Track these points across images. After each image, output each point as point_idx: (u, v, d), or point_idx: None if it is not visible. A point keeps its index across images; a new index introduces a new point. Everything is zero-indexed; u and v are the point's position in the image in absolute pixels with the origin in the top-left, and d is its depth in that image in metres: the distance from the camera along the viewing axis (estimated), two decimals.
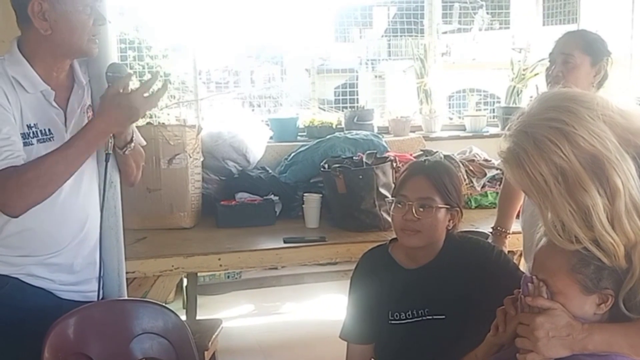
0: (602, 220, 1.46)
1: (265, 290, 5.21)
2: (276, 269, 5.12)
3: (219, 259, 3.16)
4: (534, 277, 1.65)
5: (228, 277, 5.20)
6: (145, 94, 2.09)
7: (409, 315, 2.21)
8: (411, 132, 4.75)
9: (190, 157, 3.61)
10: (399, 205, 2.20)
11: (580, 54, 2.66)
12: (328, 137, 4.15)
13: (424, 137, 4.63)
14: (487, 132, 4.90)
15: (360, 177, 3.37)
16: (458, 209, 2.23)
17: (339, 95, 6.01)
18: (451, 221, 2.22)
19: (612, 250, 1.49)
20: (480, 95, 5.96)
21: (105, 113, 2.04)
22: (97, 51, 2.14)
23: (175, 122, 4.45)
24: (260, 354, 4.36)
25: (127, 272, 2.44)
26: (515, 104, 4.90)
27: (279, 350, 4.39)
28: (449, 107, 5.96)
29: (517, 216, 3.02)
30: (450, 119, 5.34)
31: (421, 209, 2.16)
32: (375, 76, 8.22)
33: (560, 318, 1.56)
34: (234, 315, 4.93)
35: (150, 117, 4.52)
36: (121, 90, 2.07)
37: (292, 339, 4.54)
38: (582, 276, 1.57)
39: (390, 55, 7.79)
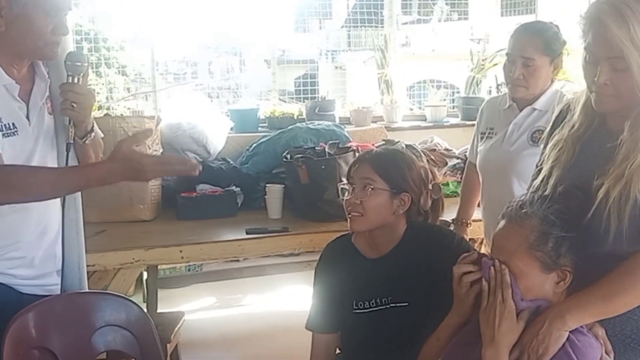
0: None
1: (227, 282, 5.18)
2: (237, 261, 5.10)
3: (181, 251, 3.13)
4: (495, 260, 1.68)
5: (189, 269, 5.16)
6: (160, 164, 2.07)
7: (372, 304, 2.23)
8: (372, 122, 4.76)
9: (149, 148, 3.55)
10: (346, 190, 2.25)
11: (540, 56, 2.70)
12: (290, 127, 4.13)
13: (385, 127, 4.65)
14: (448, 122, 4.94)
15: (323, 167, 3.37)
16: (408, 194, 2.23)
17: (299, 86, 6.00)
18: (401, 207, 2.23)
19: None
20: (440, 86, 5.99)
21: (116, 167, 1.98)
22: (57, 56, 2.12)
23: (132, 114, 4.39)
24: (222, 347, 4.34)
25: (87, 266, 2.41)
26: (475, 94, 4.96)
27: (242, 342, 4.38)
28: (409, 98, 5.99)
29: (478, 205, 3.06)
30: (411, 109, 5.37)
31: (362, 191, 2.20)
32: (336, 67, 8.21)
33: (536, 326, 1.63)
34: (196, 308, 4.91)
35: (107, 109, 4.46)
36: (79, 78, 2.05)
37: (255, 331, 4.53)
38: (541, 253, 1.62)
39: (350, 46, 7.78)
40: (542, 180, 1.80)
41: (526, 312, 1.65)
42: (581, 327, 1.62)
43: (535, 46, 2.69)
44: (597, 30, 1.58)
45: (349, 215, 2.24)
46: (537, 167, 1.91)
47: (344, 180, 2.33)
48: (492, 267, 1.68)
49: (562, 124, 1.83)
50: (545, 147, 1.88)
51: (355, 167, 2.28)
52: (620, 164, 1.59)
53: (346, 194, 2.25)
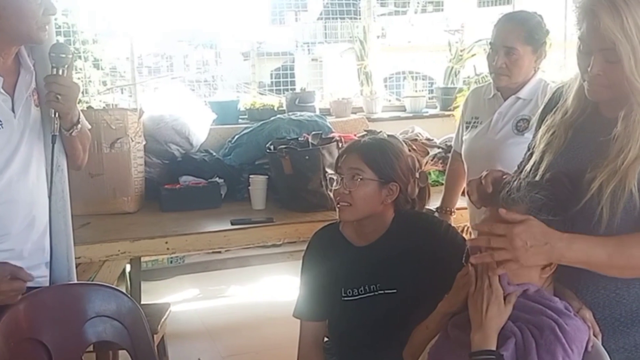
0: None
1: (210, 274, 5.19)
2: (220, 252, 5.11)
3: (166, 242, 3.12)
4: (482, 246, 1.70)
5: (171, 262, 5.16)
6: None
7: (361, 291, 2.25)
8: (352, 113, 4.78)
9: (132, 140, 3.55)
10: (334, 180, 2.26)
11: (522, 45, 2.73)
12: (272, 118, 4.14)
13: (366, 118, 4.67)
14: (427, 112, 4.98)
15: (307, 157, 3.38)
16: (396, 184, 2.26)
17: (275, 78, 6.01)
18: (389, 197, 2.26)
19: None
20: (417, 77, 6.03)
21: None
22: (46, 38, 2.12)
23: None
24: (207, 337, 4.35)
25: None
26: (453, 84, 5.00)
27: (226, 332, 4.40)
28: (386, 89, 6.02)
29: (462, 194, 3.09)
30: (389, 101, 5.40)
31: (351, 181, 2.22)
32: (312, 59, 8.22)
33: (537, 227, 1.59)
34: (179, 300, 4.91)
35: (87, 103, 4.44)
36: (63, 70, 2.05)
37: (239, 322, 4.55)
38: None
39: (327, 37, 7.80)
40: (533, 166, 1.82)
41: (513, 296, 1.66)
42: (569, 310, 1.64)
43: (517, 35, 2.72)
44: (590, 21, 1.59)
45: (338, 205, 2.26)
46: (528, 151, 1.92)
47: (330, 170, 2.34)
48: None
49: (553, 110, 1.85)
50: (536, 132, 1.90)
51: (344, 157, 2.29)
52: (614, 158, 1.59)
53: (334, 184, 2.26)
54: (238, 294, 5.11)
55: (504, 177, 1.80)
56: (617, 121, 1.61)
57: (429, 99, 5.23)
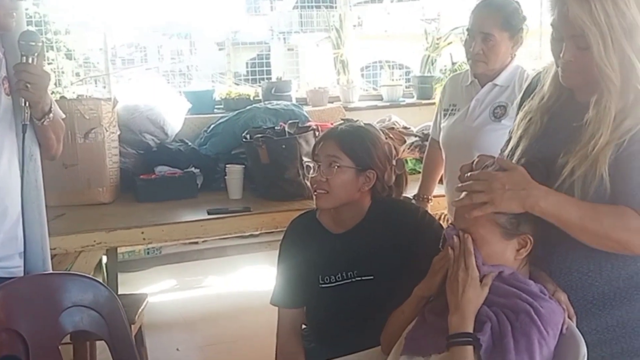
0: None
1: (187, 264, 5.18)
2: (197, 243, 5.10)
3: (142, 233, 3.11)
4: (458, 229, 1.71)
5: (148, 253, 5.13)
6: None
7: (338, 277, 2.26)
8: (329, 102, 4.78)
9: (107, 131, 3.52)
10: (311, 167, 2.27)
11: (499, 31, 2.74)
12: (248, 107, 4.12)
13: (343, 107, 4.68)
14: (404, 101, 4.99)
15: (284, 146, 3.37)
16: (373, 171, 2.27)
17: (252, 67, 5.98)
18: (366, 184, 2.26)
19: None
20: (394, 66, 6.03)
21: None
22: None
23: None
24: (185, 328, 4.35)
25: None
26: (430, 73, 5.00)
27: (204, 323, 4.39)
28: (364, 78, 6.02)
29: (440, 181, 3.11)
30: (366, 90, 5.40)
31: (328, 169, 2.22)
32: (288, 49, 8.19)
33: (519, 175, 1.63)
34: (156, 290, 4.89)
35: (60, 94, 4.39)
36: (33, 59, 2.02)
37: (217, 311, 4.54)
38: (502, 220, 1.65)
39: (302, 26, 7.77)
40: (510, 151, 1.84)
41: (489, 278, 1.67)
42: (544, 293, 1.66)
43: (494, 22, 2.73)
44: (561, 8, 1.60)
45: (315, 193, 2.26)
46: (508, 137, 1.94)
47: (306, 158, 2.34)
48: (455, 236, 1.72)
49: (532, 95, 1.86)
50: (516, 117, 1.91)
51: (321, 144, 2.29)
52: (585, 143, 1.61)
53: (311, 171, 2.27)
54: (216, 284, 5.09)
55: (487, 163, 1.80)
56: (590, 107, 1.63)
57: (406, 87, 5.24)
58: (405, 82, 5.42)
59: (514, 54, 2.83)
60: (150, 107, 3.92)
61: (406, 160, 3.96)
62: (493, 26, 2.72)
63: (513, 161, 1.77)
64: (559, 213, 1.60)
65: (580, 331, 1.66)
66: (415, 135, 4.04)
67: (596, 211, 1.59)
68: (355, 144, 2.26)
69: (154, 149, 3.90)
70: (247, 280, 5.05)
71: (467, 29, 2.82)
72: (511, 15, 2.74)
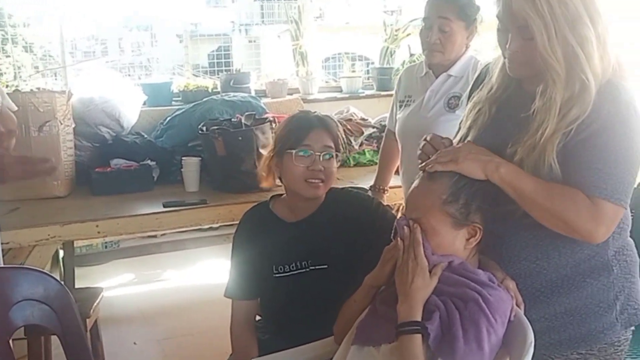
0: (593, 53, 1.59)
1: (145, 258, 5.13)
2: (155, 236, 5.06)
3: (97, 226, 3.07)
4: (408, 219, 1.73)
5: (106, 246, 5.09)
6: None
7: (292, 267, 2.26)
8: (288, 94, 4.77)
9: (61, 124, 3.47)
10: (304, 156, 2.24)
11: (455, 19, 2.75)
12: (205, 99, 4.10)
13: (301, 99, 4.68)
14: (363, 93, 5.00)
15: (240, 138, 3.36)
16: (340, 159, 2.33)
17: (213, 59, 5.95)
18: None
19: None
20: (355, 58, 6.04)
21: None
22: None
23: None
24: (142, 321, 4.31)
25: (1, 243, 2.35)
26: (389, 64, 5.02)
27: (161, 316, 4.36)
28: (324, 70, 6.02)
29: (396, 172, 3.12)
30: (326, 82, 5.40)
31: (326, 159, 2.24)
32: (249, 40, 8.16)
33: (486, 151, 1.69)
34: (114, 284, 4.85)
35: (16, 87, 4.32)
36: None
37: (174, 305, 4.51)
38: (452, 210, 1.67)
39: (264, 18, 7.75)
40: (460, 141, 1.85)
41: (439, 268, 1.69)
42: (492, 281, 1.68)
43: (450, 10, 2.74)
44: (505, 0, 1.62)
45: (309, 183, 2.24)
46: (458, 127, 1.95)
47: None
48: (405, 227, 1.73)
49: (480, 86, 1.88)
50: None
51: (311, 132, 2.26)
52: (533, 133, 1.63)
53: (300, 159, 2.24)
54: (173, 277, 5.06)
55: (443, 140, 1.82)
56: (536, 97, 1.65)
57: (367, 79, 5.26)
58: (366, 73, 5.43)
59: (468, 44, 2.85)
60: (105, 99, 3.88)
61: (364, 152, 3.98)
62: (450, 13, 2.74)
63: None
64: (517, 182, 1.63)
65: (528, 319, 1.68)
66: (373, 127, 4.06)
67: (550, 188, 1.61)
68: (336, 131, 2.31)
69: (109, 142, 3.86)
70: (205, 273, 5.03)
71: (423, 19, 2.83)
72: (466, 5, 2.76)
